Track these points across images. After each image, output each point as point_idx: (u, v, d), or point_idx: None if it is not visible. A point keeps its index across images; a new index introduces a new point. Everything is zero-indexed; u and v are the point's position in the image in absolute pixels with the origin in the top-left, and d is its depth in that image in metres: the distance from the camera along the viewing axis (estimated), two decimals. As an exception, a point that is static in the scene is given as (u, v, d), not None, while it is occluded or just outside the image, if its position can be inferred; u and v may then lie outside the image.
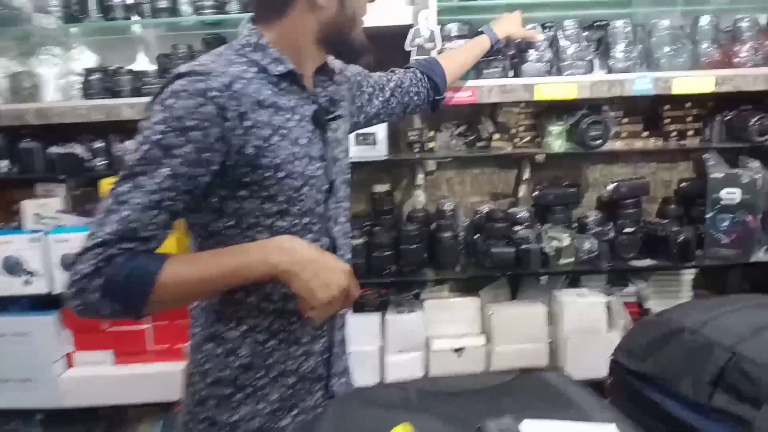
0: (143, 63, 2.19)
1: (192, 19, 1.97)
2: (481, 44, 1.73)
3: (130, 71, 2.06)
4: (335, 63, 1.21)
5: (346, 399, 0.94)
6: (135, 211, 0.92)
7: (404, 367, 2.01)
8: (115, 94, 2.01)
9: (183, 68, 0.97)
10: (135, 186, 0.92)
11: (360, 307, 2.08)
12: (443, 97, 1.55)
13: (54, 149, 2.05)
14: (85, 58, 2.12)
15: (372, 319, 2.06)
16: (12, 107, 1.97)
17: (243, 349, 1.09)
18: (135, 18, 2.02)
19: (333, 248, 1.13)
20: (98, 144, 2.07)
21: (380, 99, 1.37)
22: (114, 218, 0.91)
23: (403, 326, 2.04)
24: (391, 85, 1.41)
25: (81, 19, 2.01)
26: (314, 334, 1.15)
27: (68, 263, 1.56)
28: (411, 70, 1.50)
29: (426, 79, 1.49)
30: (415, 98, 1.47)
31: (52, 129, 2.00)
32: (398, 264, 2.00)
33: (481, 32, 1.76)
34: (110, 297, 0.90)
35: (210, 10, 1.93)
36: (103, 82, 2.02)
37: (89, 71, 2.02)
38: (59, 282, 1.98)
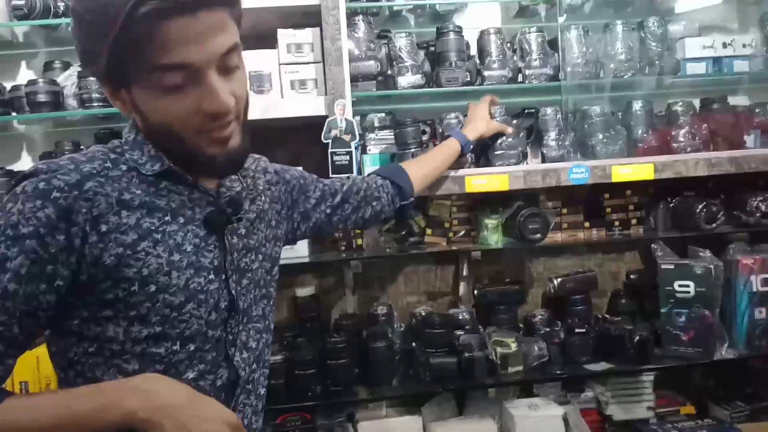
0: (28, 162, 1.96)
1: (78, 113, 1.74)
2: (449, 148, 1.58)
3: (9, 172, 1.83)
4: (268, 163, 1.10)
5: None
6: None
7: None
8: (-10, 198, 1.74)
9: (33, 166, 0.84)
10: None
11: (281, 437, 1.78)
12: (410, 203, 1.42)
13: None
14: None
15: (296, 451, 1.75)
16: None
17: None
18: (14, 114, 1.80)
19: (234, 384, 0.93)
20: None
21: (329, 204, 1.23)
22: None
23: (333, 458, 1.75)
24: (344, 189, 1.27)
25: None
26: None
27: None
28: (371, 176, 1.39)
29: (389, 184, 1.36)
30: (376, 204, 1.33)
31: None
32: (325, 382, 1.75)
33: (449, 135, 1.61)
34: None
35: (97, 104, 1.71)
36: (-23, 185, 1.76)
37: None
38: None
